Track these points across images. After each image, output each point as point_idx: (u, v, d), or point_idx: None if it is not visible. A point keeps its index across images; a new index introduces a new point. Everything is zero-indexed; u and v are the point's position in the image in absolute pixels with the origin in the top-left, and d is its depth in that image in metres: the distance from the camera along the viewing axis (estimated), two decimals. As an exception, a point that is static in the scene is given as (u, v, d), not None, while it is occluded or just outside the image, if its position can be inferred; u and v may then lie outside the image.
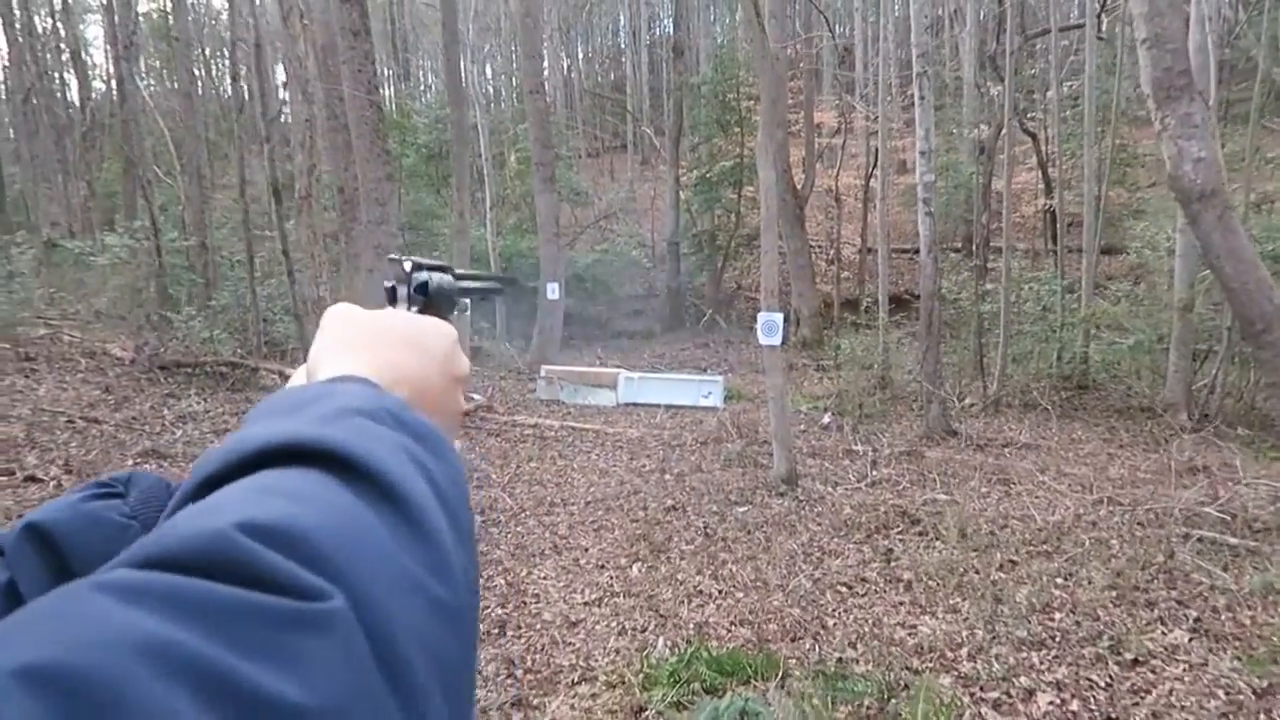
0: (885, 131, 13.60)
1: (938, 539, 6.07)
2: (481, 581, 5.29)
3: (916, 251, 20.53)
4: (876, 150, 21.37)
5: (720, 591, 4.97)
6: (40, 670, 0.29)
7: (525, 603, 4.83)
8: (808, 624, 4.50)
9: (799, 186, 19.63)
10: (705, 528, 6.40)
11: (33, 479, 6.50)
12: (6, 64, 30.97)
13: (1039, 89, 22.83)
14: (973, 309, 12.65)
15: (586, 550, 5.98)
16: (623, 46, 45.49)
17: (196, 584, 0.34)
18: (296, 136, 7.03)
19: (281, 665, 0.33)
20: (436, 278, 0.77)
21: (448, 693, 0.40)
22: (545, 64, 36.89)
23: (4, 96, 33.07)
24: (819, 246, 22.71)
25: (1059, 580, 5.04)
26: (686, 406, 12.06)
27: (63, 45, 26.28)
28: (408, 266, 0.76)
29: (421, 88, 39.87)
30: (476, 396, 11.71)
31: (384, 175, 10.04)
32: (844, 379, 12.76)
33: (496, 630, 4.45)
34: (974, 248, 13.80)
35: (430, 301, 0.76)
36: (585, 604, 4.84)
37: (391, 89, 35.88)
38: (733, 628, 4.41)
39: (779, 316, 7.31)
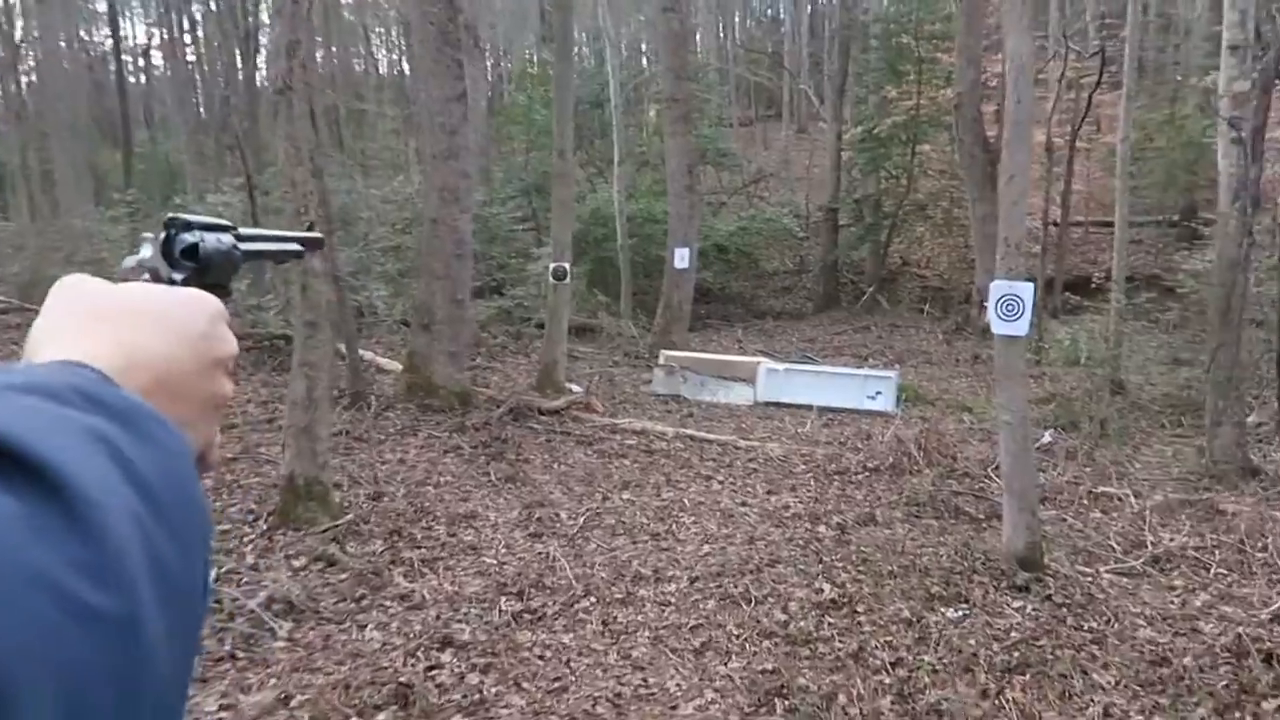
0: (1135, 44, 10.09)
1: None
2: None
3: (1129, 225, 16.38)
4: (1088, 101, 17.69)
5: None
6: None
7: None
8: None
9: (991, 140, 16.07)
10: (894, 663, 3.56)
11: None
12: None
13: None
14: (1271, 292, 9.12)
15: (672, 711, 3.26)
16: (781, 15, 43.21)
17: None
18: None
19: None
20: (211, 239, 0.63)
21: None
22: (696, 31, 34.51)
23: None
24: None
25: None
26: (847, 410, 9.12)
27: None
28: (173, 226, 0.62)
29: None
30: (575, 388, 9.17)
31: (454, 95, 7.57)
32: (1072, 381, 9.50)
33: None
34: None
35: (202, 269, 0.61)
36: None
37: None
38: None
39: (1027, 288, 4.34)
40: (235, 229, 0.67)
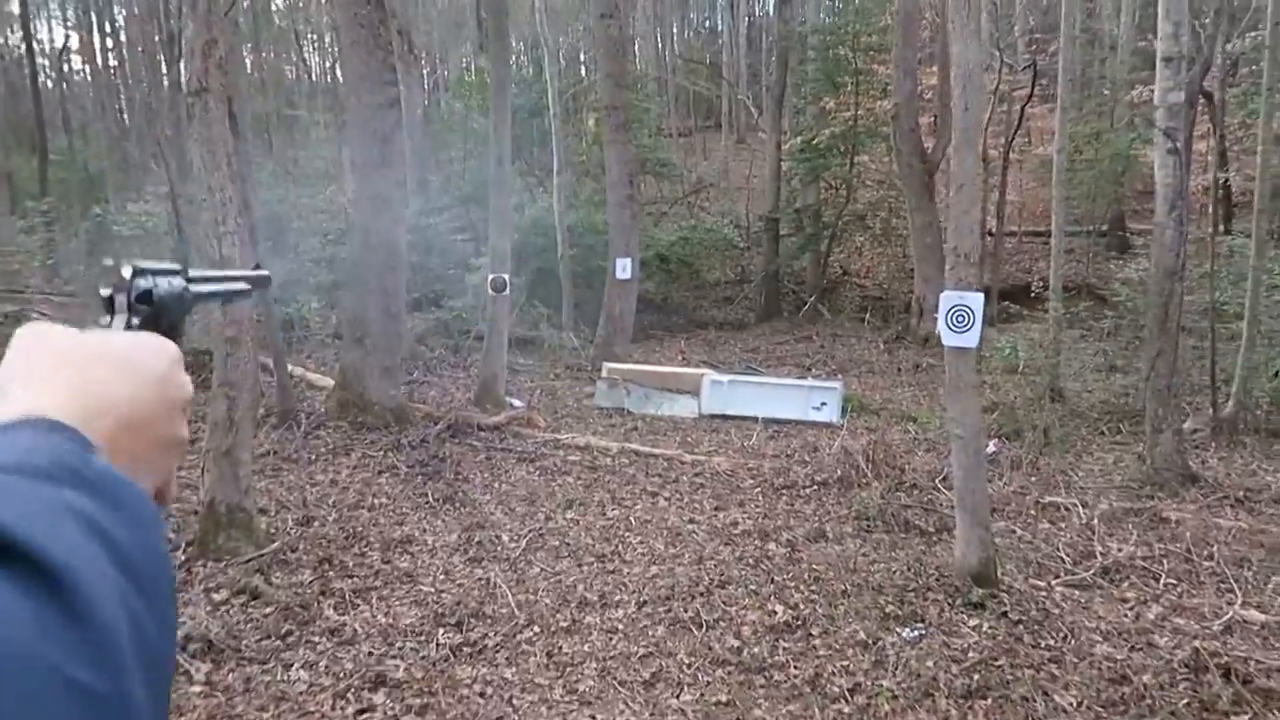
0: (1071, 51, 10.24)
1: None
2: None
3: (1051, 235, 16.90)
4: (1020, 113, 18.02)
5: None
6: None
7: None
8: None
9: (928, 151, 16.25)
10: (853, 689, 3.42)
11: None
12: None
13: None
14: (1201, 300, 9.27)
15: (623, 750, 3.08)
16: (719, 26, 43.67)
17: None
18: (187, -4, 4.29)
19: None
20: (164, 283, 0.64)
21: None
22: (635, 42, 34.57)
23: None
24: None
25: None
26: (792, 421, 9.03)
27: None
28: (126, 272, 0.62)
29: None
30: (516, 402, 8.94)
31: (386, 100, 7.31)
32: (1011, 389, 9.53)
33: None
34: (1212, 213, 10.37)
35: (156, 312, 0.62)
36: None
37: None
38: None
39: (978, 299, 4.26)
40: (185, 271, 0.67)
